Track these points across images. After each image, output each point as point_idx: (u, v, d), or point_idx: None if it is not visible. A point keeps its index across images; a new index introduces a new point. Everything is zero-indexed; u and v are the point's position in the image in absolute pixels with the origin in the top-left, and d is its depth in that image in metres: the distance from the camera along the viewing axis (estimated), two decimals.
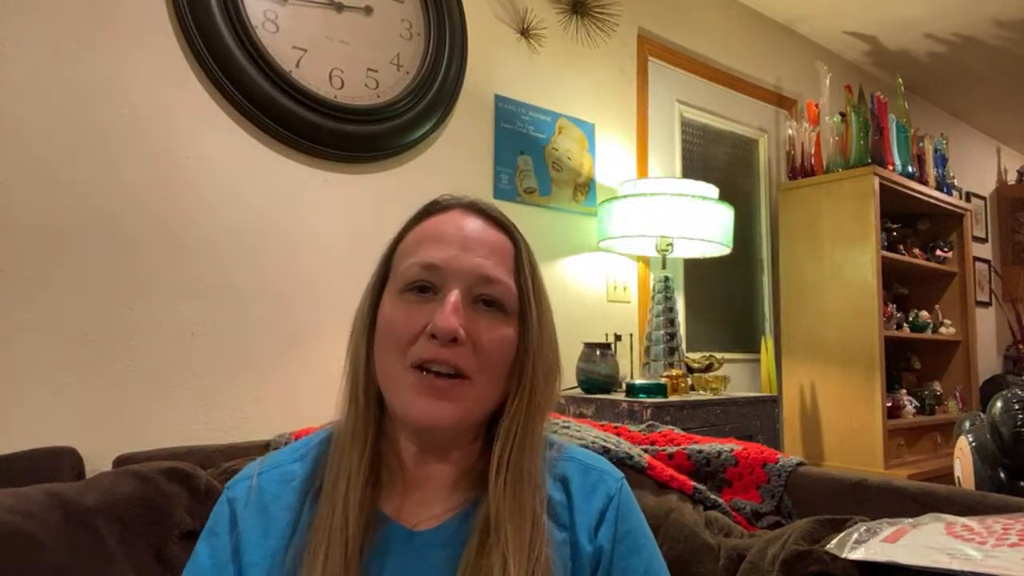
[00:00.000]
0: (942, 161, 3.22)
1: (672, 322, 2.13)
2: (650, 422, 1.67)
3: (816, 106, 2.92)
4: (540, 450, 0.67)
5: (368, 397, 0.66)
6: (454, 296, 0.63)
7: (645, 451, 1.35)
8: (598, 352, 2.05)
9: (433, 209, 0.70)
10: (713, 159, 2.91)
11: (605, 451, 1.27)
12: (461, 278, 0.64)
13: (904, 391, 3.00)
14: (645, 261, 2.47)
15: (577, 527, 0.68)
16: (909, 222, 3.22)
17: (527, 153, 2.14)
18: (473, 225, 0.68)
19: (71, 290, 1.34)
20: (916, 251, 3.11)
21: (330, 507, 0.61)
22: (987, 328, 4.38)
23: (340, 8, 1.72)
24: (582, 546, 0.68)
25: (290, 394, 1.60)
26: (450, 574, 0.62)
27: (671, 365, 2.09)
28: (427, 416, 0.62)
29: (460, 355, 0.62)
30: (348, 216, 1.73)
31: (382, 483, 0.66)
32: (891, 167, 2.81)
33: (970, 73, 3.72)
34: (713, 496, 1.27)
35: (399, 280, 0.66)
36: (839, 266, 2.73)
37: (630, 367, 2.30)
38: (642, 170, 2.50)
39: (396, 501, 0.66)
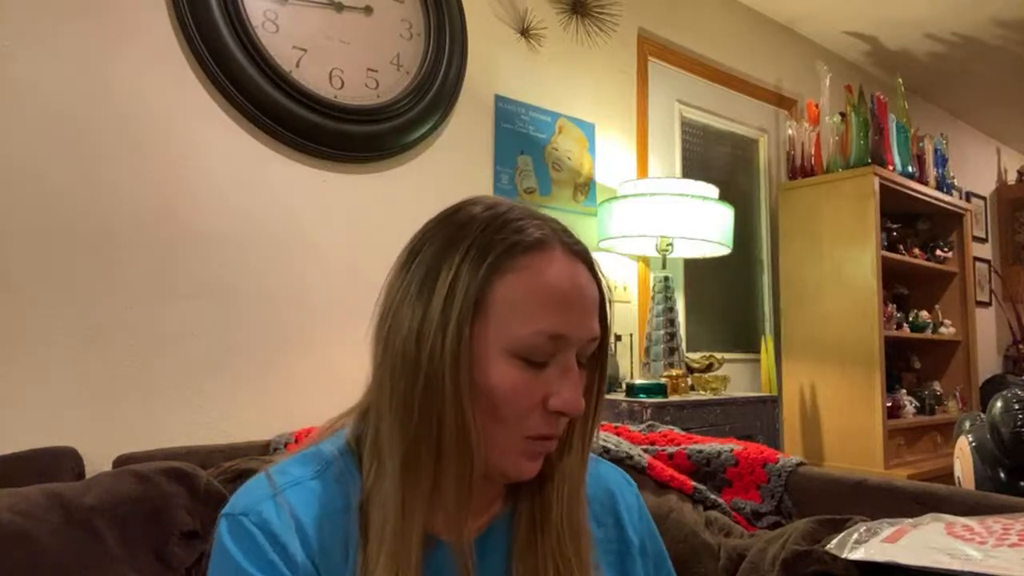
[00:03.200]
0: (942, 161, 3.22)
1: (672, 322, 2.13)
2: (650, 422, 1.66)
3: (816, 106, 2.92)
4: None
5: (466, 451, 0.57)
6: (576, 371, 0.60)
7: (645, 451, 1.35)
8: None
9: (531, 248, 0.59)
10: (713, 159, 2.91)
11: (605, 451, 1.27)
12: (578, 345, 0.60)
13: (904, 391, 3.00)
14: (645, 261, 2.47)
15: (623, 522, 0.72)
16: (909, 222, 3.22)
17: (527, 153, 2.14)
18: (582, 280, 0.61)
19: (70, 290, 1.34)
20: (916, 251, 3.11)
21: (392, 545, 0.56)
22: (987, 328, 4.38)
23: (340, 8, 1.72)
24: (630, 540, 0.72)
25: (290, 394, 1.60)
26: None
27: (671, 365, 2.09)
28: (528, 475, 0.61)
29: (563, 422, 0.62)
30: (348, 216, 1.73)
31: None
32: (891, 167, 2.81)
33: (970, 73, 3.72)
34: (713, 496, 1.27)
35: (513, 341, 0.57)
36: (839, 266, 2.73)
37: (630, 367, 2.30)
38: (642, 170, 2.50)
39: (439, 519, 0.61)
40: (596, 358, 0.65)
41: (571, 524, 0.63)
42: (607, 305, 0.64)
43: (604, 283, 0.65)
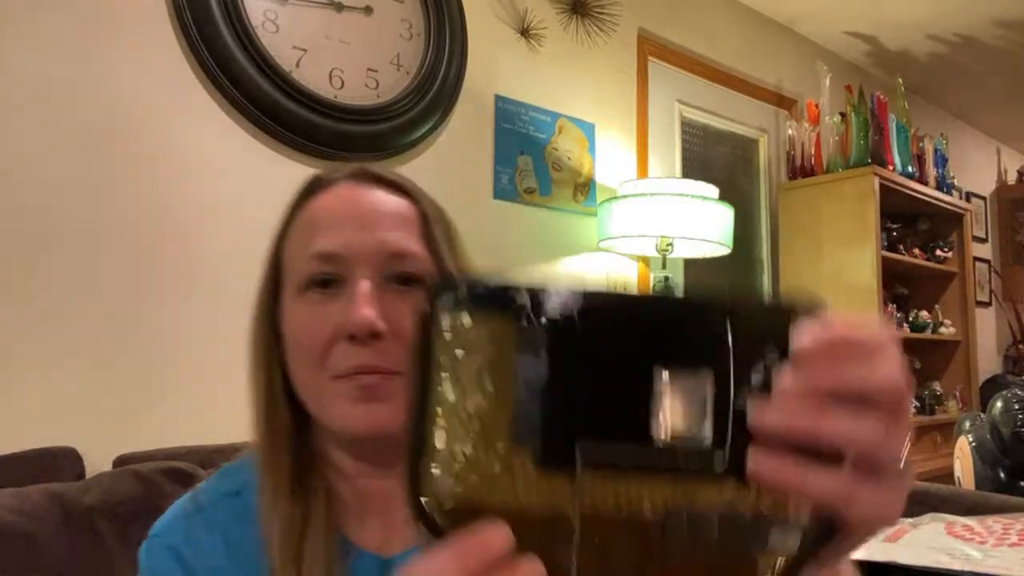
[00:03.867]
0: (942, 161, 3.22)
1: None
2: None
3: (816, 106, 2.92)
4: None
5: (288, 427, 0.56)
6: (363, 284, 0.53)
7: None
8: None
9: (315, 187, 0.60)
10: (713, 159, 2.91)
11: None
12: (367, 261, 0.54)
13: None
14: (645, 261, 2.46)
15: None
16: (909, 222, 3.22)
17: (527, 153, 2.14)
18: (368, 197, 0.58)
19: (71, 290, 1.34)
20: (916, 251, 3.11)
21: (275, 549, 0.53)
22: (987, 328, 4.38)
23: (340, 8, 1.72)
24: None
25: None
26: None
27: None
28: (366, 423, 0.53)
29: (385, 352, 0.53)
30: None
31: (337, 508, 0.57)
32: (891, 167, 2.81)
33: (970, 73, 3.72)
34: None
35: (294, 278, 0.56)
36: (839, 266, 2.73)
37: None
38: (642, 170, 2.50)
39: (356, 526, 0.57)
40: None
41: None
42: (430, 220, 0.59)
43: (421, 197, 0.61)
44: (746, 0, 2.98)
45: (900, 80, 3.18)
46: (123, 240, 1.41)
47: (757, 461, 0.29)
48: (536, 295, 0.31)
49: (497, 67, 2.09)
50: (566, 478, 0.30)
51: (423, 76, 1.82)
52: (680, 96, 2.76)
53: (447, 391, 0.31)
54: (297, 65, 1.63)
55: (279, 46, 1.60)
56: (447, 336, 0.32)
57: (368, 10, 1.77)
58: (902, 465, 0.30)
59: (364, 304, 0.52)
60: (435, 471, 0.31)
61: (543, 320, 0.31)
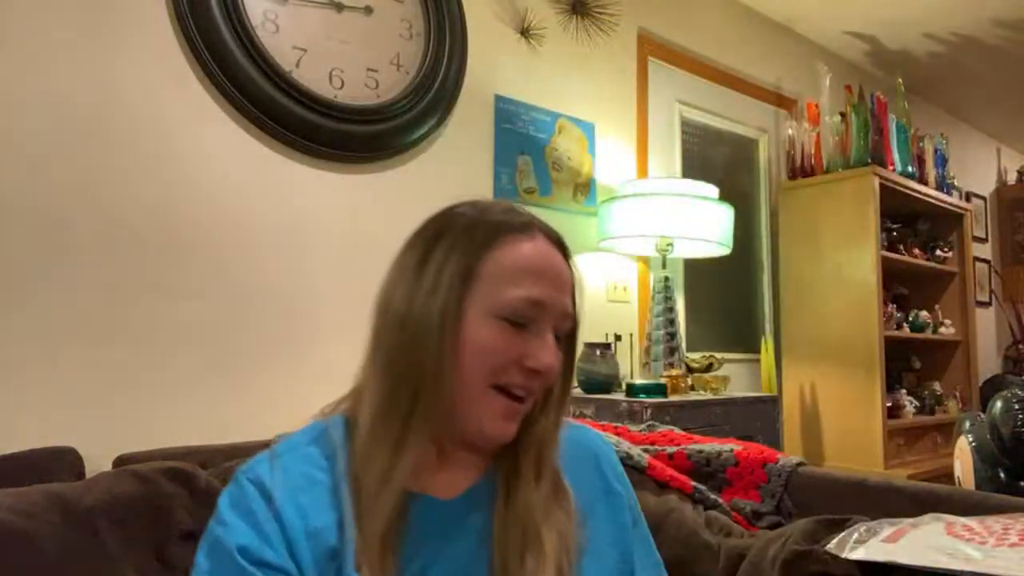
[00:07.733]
0: (942, 161, 3.22)
1: (672, 322, 2.13)
2: (650, 422, 1.67)
3: (816, 106, 2.92)
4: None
5: (439, 401, 0.66)
6: (550, 336, 0.69)
7: (645, 451, 1.35)
8: (598, 352, 2.05)
9: (516, 230, 0.70)
10: (713, 159, 2.91)
11: None
12: (554, 317, 0.69)
13: (904, 391, 3.00)
14: (645, 261, 2.46)
15: (609, 478, 0.79)
16: (909, 222, 3.22)
17: (527, 153, 2.14)
18: (558, 260, 0.71)
19: (71, 290, 1.34)
20: (916, 251, 3.11)
21: (366, 496, 0.63)
22: (987, 328, 4.38)
23: (340, 8, 1.72)
24: (618, 491, 0.79)
25: (290, 394, 1.59)
26: (484, 533, 0.68)
27: (671, 365, 2.09)
28: (500, 436, 0.68)
29: (537, 383, 0.69)
30: (348, 216, 1.73)
31: (416, 464, 0.67)
32: (891, 167, 2.81)
33: (970, 73, 3.72)
34: (713, 496, 1.27)
35: (497, 304, 0.66)
36: (839, 266, 2.73)
37: (630, 367, 2.30)
38: (642, 170, 2.50)
39: (424, 478, 0.69)
40: (568, 342, 0.74)
41: (541, 485, 0.70)
42: (576, 293, 0.74)
43: (576, 272, 0.75)
44: (746, 0, 2.98)
45: (900, 80, 3.18)
46: (123, 239, 1.41)
47: None
48: None
49: (497, 67, 2.09)
50: None
51: (423, 76, 1.82)
52: (680, 96, 2.76)
53: None
54: (297, 65, 1.62)
55: (279, 46, 1.60)
56: None
57: (368, 10, 1.77)
58: None
59: (552, 353, 0.68)
60: None
61: None
